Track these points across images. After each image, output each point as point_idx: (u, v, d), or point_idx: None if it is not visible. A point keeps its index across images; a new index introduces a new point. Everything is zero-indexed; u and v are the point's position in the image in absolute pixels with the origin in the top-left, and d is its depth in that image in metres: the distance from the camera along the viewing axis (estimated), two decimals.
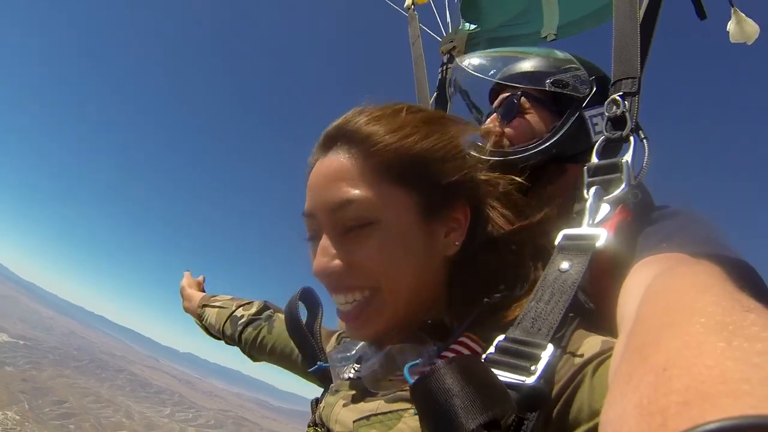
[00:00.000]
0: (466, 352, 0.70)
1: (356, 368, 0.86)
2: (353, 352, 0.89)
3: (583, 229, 0.78)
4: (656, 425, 0.26)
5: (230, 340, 1.52)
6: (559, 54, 1.20)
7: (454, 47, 1.81)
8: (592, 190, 0.85)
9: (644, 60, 0.96)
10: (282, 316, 1.43)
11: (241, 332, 1.45)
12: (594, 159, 0.91)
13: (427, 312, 0.79)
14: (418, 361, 0.69)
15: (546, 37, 1.74)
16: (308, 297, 1.13)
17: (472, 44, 1.84)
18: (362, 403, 0.77)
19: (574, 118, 1.08)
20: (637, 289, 0.58)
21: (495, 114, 1.20)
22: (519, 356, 0.61)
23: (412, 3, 1.91)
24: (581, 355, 0.62)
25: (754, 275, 0.70)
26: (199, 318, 1.66)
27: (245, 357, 1.50)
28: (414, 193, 0.77)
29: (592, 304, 0.77)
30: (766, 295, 0.69)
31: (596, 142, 0.94)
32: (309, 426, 0.89)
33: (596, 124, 1.07)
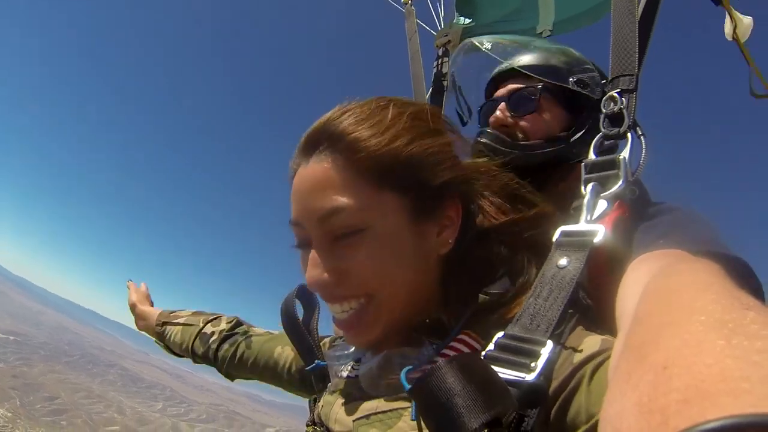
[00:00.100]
0: (465, 349, 0.71)
1: (355, 366, 0.85)
2: (351, 350, 0.88)
3: (581, 226, 0.78)
4: (656, 424, 0.26)
5: (201, 359, 1.45)
6: (575, 52, 1.18)
7: (449, 41, 1.80)
8: (590, 186, 0.85)
9: (642, 57, 0.95)
10: (258, 330, 1.40)
11: (217, 349, 1.38)
12: (591, 155, 0.91)
13: (424, 312, 0.78)
14: (414, 365, 0.69)
15: (541, 33, 1.73)
16: (305, 294, 1.11)
17: (466, 39, 1.84)
18: (362, 401, 0.77)
19: (592, 120, 1.06)
20: (636, 286, 0.58)
21: (504, 104, 1.15)
22: (519, 353, 0.61)
23: None
24: (580, 351, 0.62)
25: (750, 273, 0.70)
26: (159, 336, 1.57)
27: (237, 346, 1.38)
28: (404, 196, 0.75)
29: (590, 300, 0.77)
30: (762, 292, 0.69)
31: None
32: (307, 425, 0.89)
33: None
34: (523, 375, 0.58)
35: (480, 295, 0.77)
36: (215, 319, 1.48)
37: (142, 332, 1.69)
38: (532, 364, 0.59)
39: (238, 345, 1.35)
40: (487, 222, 0.81)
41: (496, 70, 1.24)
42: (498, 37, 1.30)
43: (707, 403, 0.24)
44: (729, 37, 1.42)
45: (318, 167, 0.75)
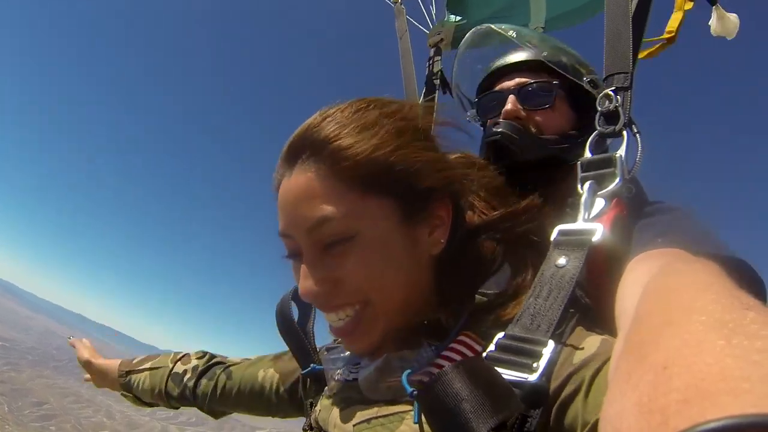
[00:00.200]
0: (465, 351, 0.70)
1: (352, 369, 0.84)
2: (348, 353, 0.87)
3: (579, 224, 0.78)
4: (656, 423, 0.26)
5: (177, 401, 1.36)
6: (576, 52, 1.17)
7: (441, 39, 1.79)
8: (587, 184, 0.84)
9: (636, 54, 0.96)
10: (234, 359, 1.35)
11: (195, 387, 1.30)
12: (587, 154, 0.91)
13: (421, 313, 0.77)
14: (414, 368, 0.69)
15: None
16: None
17: (458, 37, 1.83)
18: (361, 405, 0.76)
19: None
20: (635, 285, 0.58)
21: (513, 96, 1.12)
22: (520, 353, 0.61)
23: None
24: (581, 351, 0.62)
25: (752, 272, 0.70)
26: (125, 387, 1.45)
27: (216, 379, 1.29)
28: (392, 200, 0.74)
29: (589, 299, 0.77)
30: (763, 292, 0.69)
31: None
32: (304, 430, 0.88)
33: None
34: (525, 375, 0.58)
35: (477, 295, 0.77)
36: (184, 356, 1.40)
37: (103, 387, 1.53)
38: (534, 365, 0.59)
39: (218, 378, 1.28)
40: (478, 218, 0.81)
41: (513, 59, 1.19)
42: (515, 26, 1.25)
43: (707, 403, 0.24)
44: (715, 34, 1.44)
45: (302, 177, 0.73)
